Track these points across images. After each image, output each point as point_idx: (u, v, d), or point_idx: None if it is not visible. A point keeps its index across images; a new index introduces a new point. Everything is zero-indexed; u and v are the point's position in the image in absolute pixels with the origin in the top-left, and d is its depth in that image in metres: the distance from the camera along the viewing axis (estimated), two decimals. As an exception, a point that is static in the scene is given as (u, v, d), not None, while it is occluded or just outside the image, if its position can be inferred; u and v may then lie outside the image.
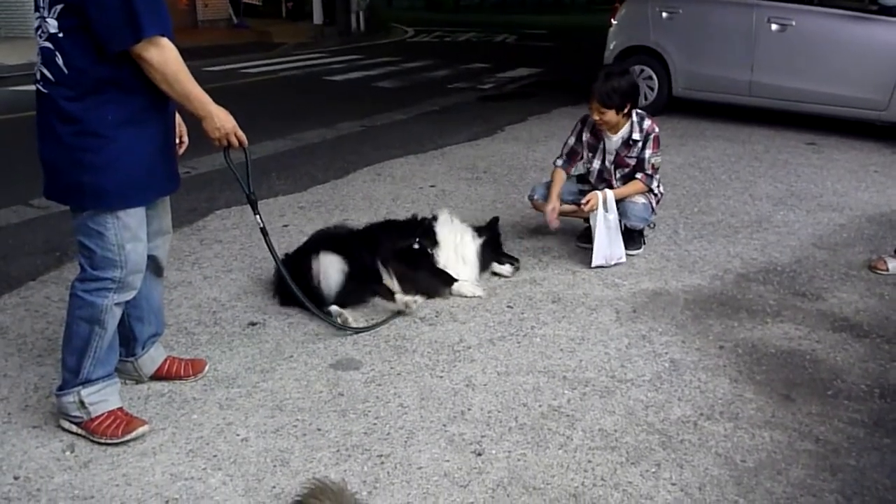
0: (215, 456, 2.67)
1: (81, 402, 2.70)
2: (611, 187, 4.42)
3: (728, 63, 8.19)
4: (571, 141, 4.55)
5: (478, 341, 3.52)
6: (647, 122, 4.36)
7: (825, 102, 7.69)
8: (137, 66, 2.47)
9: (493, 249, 4.26)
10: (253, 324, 3.67)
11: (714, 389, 3.12)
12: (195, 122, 2.71)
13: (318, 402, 3.00)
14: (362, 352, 3.41)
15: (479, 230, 4.25)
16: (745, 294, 4.04)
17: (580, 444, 2.74)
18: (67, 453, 2.68)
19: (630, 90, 4.24)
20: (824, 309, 3.88)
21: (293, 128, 8.14)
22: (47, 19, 2.44)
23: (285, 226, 5.03)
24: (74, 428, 2.75)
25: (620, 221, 4.42)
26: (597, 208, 4.28)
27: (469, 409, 2.96)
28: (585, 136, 4.49)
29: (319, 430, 2.82)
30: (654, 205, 4.51)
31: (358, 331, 3.56)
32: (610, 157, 4.43)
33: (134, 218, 2.63)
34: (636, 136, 4.33)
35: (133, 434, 2.72)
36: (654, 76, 8.76)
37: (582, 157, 4.53)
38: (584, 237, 4.61)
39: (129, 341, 2.98)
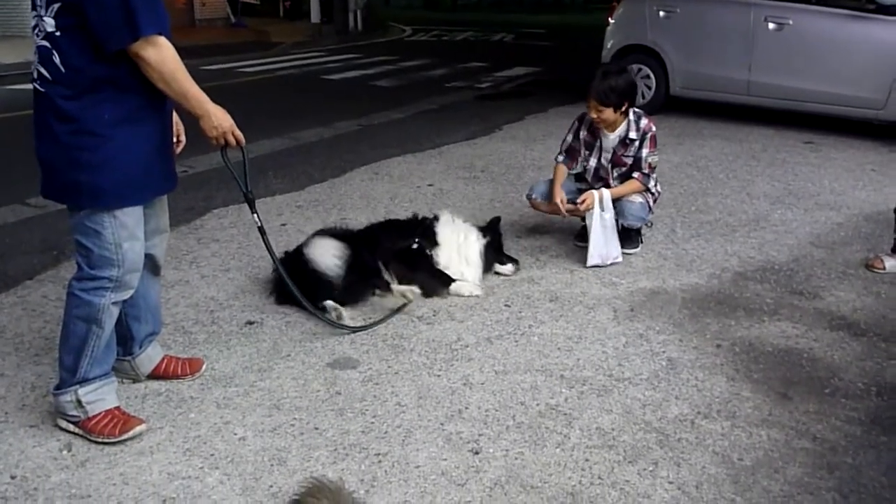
0: (212, 455, 2.66)
1: (78, 401, 2.70)
2: (608, 186, 4.42)
3: (726, 62, 8.20)
4: (569, 138, 4.55)
5: (475, 340, 3.52)
6: (644, 121, 4.37)
7: (823, 101, 7.70)
8: (134, 65, 2.47)
9: (495, 249, 4.26)
10: (250, 323, 3.67)
11: (711, 388, 3.12)
12: (193, 121, 2.71)
13: (315, 401, 3.00)
14: (360, 351, 3.40)
15: (481, 230, 4.25)
16: (743, 293, 4.05)
17: (577, 443, 2.74)
18: (64, 452, 2.67)
19: (627, 89, 4.24)
20: (821, 307, 3.88)
21: (290, 127, 8.13)
22: (44, 18, 2.44)
23: (283, 225, 5.02)
24: (71, 427, 2.74)
25: (618, 221, 4.42)
26: (593, 207, 4.28)
27: (466, 408, 2.96)
28: (583, 135, 4.49)
29: (317, 428, 2.82)
30: (651, 204, 4.52)
31: (355, 329, 3.56)
32: (607, 156, 4.43)
33: (131, 217, 2.63)
34: (633, 134, 4.33)
35: (130, 433, 2.71)
36: (652, 75, 8.77)
37: (580, 155, 4.53)
38: (582, 236, 4.61)
39: (126, 340, 2.98)
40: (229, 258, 4.46)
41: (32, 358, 3.30)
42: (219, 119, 2.68)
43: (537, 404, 2.99)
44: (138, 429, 2.73)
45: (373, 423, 2.86)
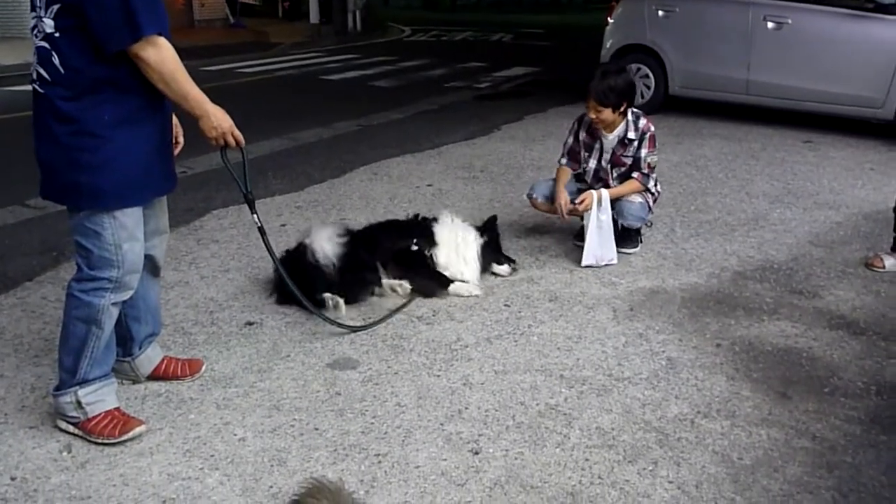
0: (212, 456, 2.66)
1: (78, 403, 2.70)
2: (607, 186, 4.42)
3: (725, 61, 8.19)
4: (570, 141, 4.55)
5: (475, 340, 3.52)
6: (643, 121, 4.37)
7: (822, 100, 7.70)
8: (134, 66, 2.47)
9: (493, 249, 4.26)
10: (250, 323, 3.67)
11: (711, 387, 3.12)
12: (192, 122, 2.71)
13: (315, 402, 3.00)
14: (359, 351, 3.41)
15: (479, 230, 4.25)
16: (742, 292, 4.05)
17: (577, 443, 2.74)
18: (64, 454, 2.67)
19: (626, 89, 4.24)
20: (821, 306, 3.89)
21: (290, 127, 8.13)
22: (44, 19, 2.44)
23: (283, 225, 5.02)
24: (71, 428, 2.74)
25: (617, 221, 4.43)
26: (591, 208, 4.28)
27: (466, 408, 2.96)
28: (582, 136, 4.49)
29: (317, 429, 2.82)
30: (651, 204, 4.52)
31: (355, 329, 3.56)
32: (606, 157, 4.43)
33: (131, 218, 2.63)
34: (631, 134, 4.33)
35: (130, 434, 2.72)
36: (651, 74, 8.76)
37: (580, 156, 4.54)
38: (581, 236, 4.60)
39: (126, 341, 2.98)
40: (229, 259, 4.46)
41: (32, 359, 3.30)
42: (218, 119, 2.68)
43: (537, 404, 2.99)
44: (138, 430, 2.74)
45: (372, 423, 2.86)
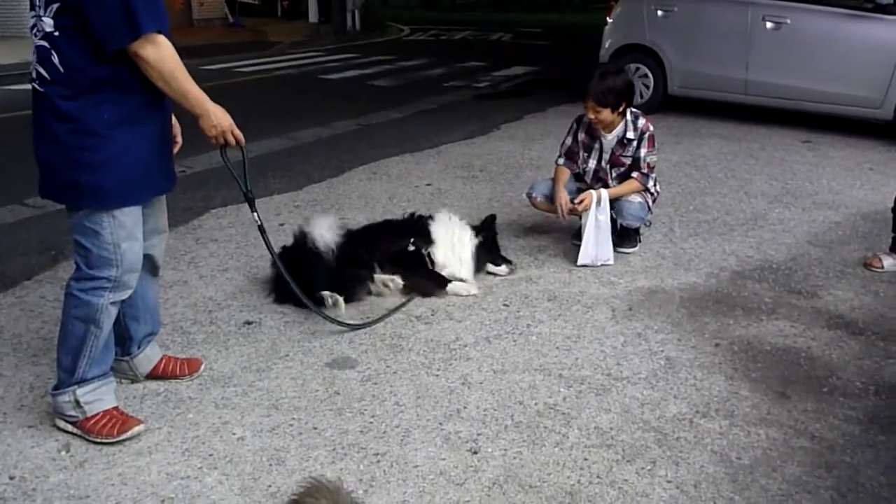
0: (211, 455, 2.66)
1: (77, 402, 2.70)
2: (607, 186, 4.42)
3: (724, 61, 8.20)
4: (569, 141, 4.55)
5: (474, 339, 3.52)
6: (642, 121, 4.37)
7: (820, 100, 7.71)
8: (134, 65, 2.47)
9: (489, 249, 4.25)
10: (249, 323, 3.67)
11: (710, 387, 3.12)
12: (191, 121, 2.70)
13: (314, 401, 3.00)
14: (358, 350, 3.41)
15: (476, 229, 4.25)
16: (741, 292, 4.05)
17: (576, 442, 2.74)
18: (63, 453, 2.67)
19: (625, 89, 4.24)
20: (819, 306, 3.89)
21: (289, 127, 8.13)
22: (43, 18, 2.43)
23: (281, 224, 5.02)
24: (70, 427, 2.74)
25: (617, 221, 4.43)
26: (590, 208, 4.28)
27: (465, 408, 2.96)
28: (581, 136, 4.49)
29: (315, 428, 2.82)
30: (650, 204, 4.52)
31: (354, 327, 3.56)
32: (605, 157, 4.43)
33: (130, 217, 2.63)
34: (630, 134, 4.34)
35: (129, 433, 2.71)
36: (650, 74, 8.77)
37: (579, 157, 4.53)
38: (580, 236, 4.60)
39: (124, 340, 2.98)
40: (227, 258, 4.45)
41: (30, 358, 3.30)
42: (218, 118, 2.68)
43: (536, 404, 2.99)
44: (136, 429, 2.73)
45: (371, 422, 2.86)
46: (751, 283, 4.16)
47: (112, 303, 2.67)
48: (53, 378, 2.85)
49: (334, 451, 2.69)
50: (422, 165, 6.61)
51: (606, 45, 9.16)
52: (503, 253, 4.35)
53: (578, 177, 4.62)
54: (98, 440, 2.70)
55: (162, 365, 3.12)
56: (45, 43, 2.45)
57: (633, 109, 4.39)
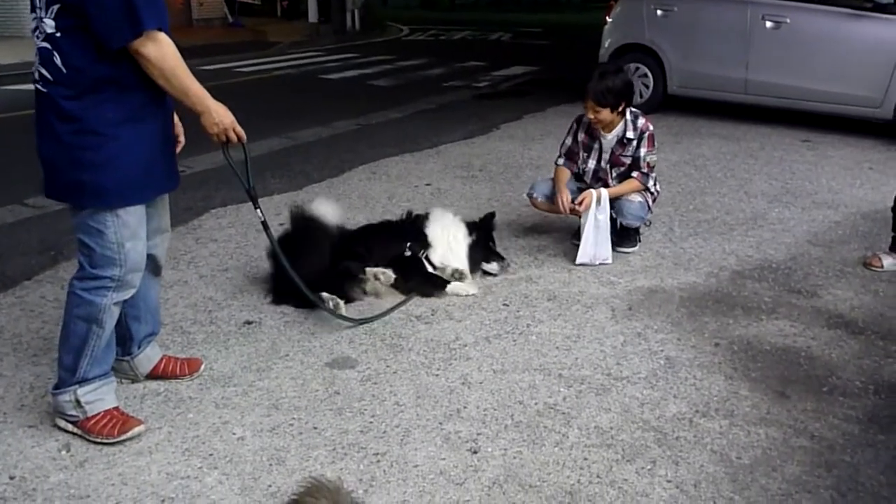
0: (211, 455, 2.67)
1: (78, 401, 2.70)
2: (607, 186, 4.42)
3: (723, 61, 8.20)
4: (568, 141, 4.55)
5: (474, 339, 3.52)
6: (641, 121, 4.37)
7: (820, 100, 7.71)
8: (136, 64, 2.47)
9: (483, 247, 4.25)
10: (249, 322, 3.67)
11: (709, 386, 3.13)
12: (193, 119, 2.70)
13: (314, 401, 3.00)
14: (358, 350, 3.41)
15: (473, 226, 4.24)
16: (741, 291, 4.05)
17: (576, 442, 2.75)
18: (63, 453, 2.67)
19: (624, 89, 4.24)
20: (819, 306, 3.89)
21: (288, 126, 8.12)
22: (44, 20, 2.44)
23: (281, 224, 5.00)
24: (70, 427, 2.74)
25: (617, 220, 4.43)
26: (590, 207, 4.28)
27: (465, 407, 2.96)
28: (581, 136, 4.49)
29: (315, 428, 2.82)
30: (650, 203, 4.52)
31: (355, 322, 3.56)
32: (605, 156, 4.43)
33: (134, 216, 2.63)
34: (630, 134, 4.34)
35: (129, 433, 2.72)
36: (650, 74, 8.77)
37: (579, 158, 4.53)
38: (579, 235, 4.60)
39: (125, 340, 2.98)
40: (227, 258, 4.46)
41: (31, 358, 3.30)
42: (220, 115, 2.68)
43: (535, 403, 2.99)
44: (137, 429, 2.73)
45: (371, 422, 2.86)
46: (750, 283, 4.16)
47: (115, 302, 2.67)
48: (54, 378, 2.85)
49: (334, 451, 2.69)
50: (421, 165, 6.62)
51: (606, 45, 9.16)
52: (504, 253, 4.35)
53: (578, 177, 4.62)
54: (98, 440, 2.70)
55: (162, 365, 3.12)
56: (47, 44, 2.45)
57: (633, 109, 4.40)
